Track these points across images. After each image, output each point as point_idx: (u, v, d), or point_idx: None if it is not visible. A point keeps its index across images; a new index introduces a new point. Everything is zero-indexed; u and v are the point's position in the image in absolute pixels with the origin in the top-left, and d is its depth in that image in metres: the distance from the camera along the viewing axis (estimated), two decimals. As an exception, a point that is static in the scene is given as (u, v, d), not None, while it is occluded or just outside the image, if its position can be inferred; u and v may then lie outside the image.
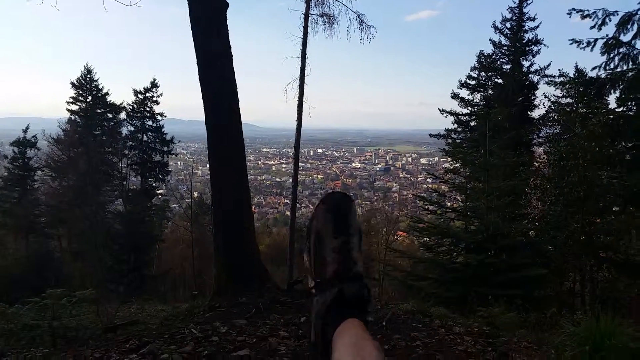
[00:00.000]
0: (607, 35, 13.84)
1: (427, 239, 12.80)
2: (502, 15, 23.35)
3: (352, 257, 1.15)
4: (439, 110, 24.38)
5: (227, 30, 6.00)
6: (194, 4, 5.83)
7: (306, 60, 17.30)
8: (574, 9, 13.97)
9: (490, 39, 23.56)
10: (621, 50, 13.68)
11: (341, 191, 1.29)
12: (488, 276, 10.13)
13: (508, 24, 23.34)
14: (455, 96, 24.22)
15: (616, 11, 13.58)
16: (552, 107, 20.26)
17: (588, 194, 12.65)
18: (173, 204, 31.72)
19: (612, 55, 13.73)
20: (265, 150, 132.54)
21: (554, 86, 16.21)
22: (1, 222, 26.63)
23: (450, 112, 24.23)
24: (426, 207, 13.69)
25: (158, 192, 31.03)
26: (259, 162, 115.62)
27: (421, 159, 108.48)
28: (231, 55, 6.08)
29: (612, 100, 15.03)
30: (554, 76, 20.77)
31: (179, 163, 59.30)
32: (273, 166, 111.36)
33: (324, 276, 1.14)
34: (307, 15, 17.13)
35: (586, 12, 13.72)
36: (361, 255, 1.21)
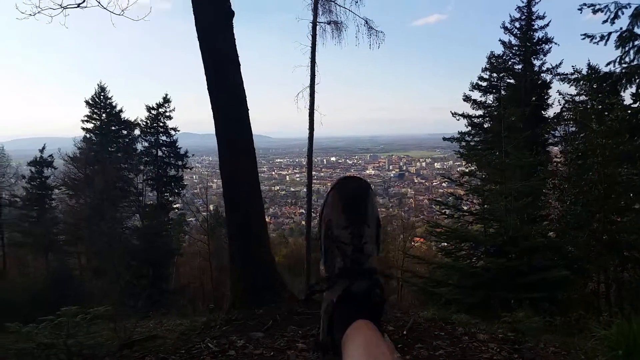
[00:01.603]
0: (620, 29, 13.59)
1: (445, 243, 12.57)
2: (511, 16, 23.15)
3: (364, 250, 1.02)
4: (452, 113, 24.14)
5: (234, 37, 5.98)
6: (199, 13, 5.83)
7: (316, 68, 17.30)
8: (584, 4, 13.71)
9: (500, 40, 23.37)
10: (636, 42, 13.40)
11: (356, 176, 1.15)
12: (510, 280, 9.89)
13: (517, 24, 23.12)
14: (467, 98, 24.03)
15: (629, 3, 13.32)
16: (567, 105, 19.96)
17: (609, 192, 12.34)
18: (190, 218, 31.89)
19: (627, 48, 13.46)
20: (278, 160, 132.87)
21: (568, 83, 15.93)
22: (21, 242, 26.96)
23: (463, 115, 24.00)
24: (443, 211, 13.47)
25: (174, 206, 31.26)
26: (273, 173, 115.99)
27: (435, 164, 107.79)
28: (239, 63, 6.05)
29: (627, 96, 14.73)
30: (567, 74, 20.55)
31: (194, 177, 59.68)
32: (287, 176, 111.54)
33: (333, 271, 1.03)
34: (314, 24, 17.14)
35: (597, 7, 13.47)
36: (380, 248, 1.09)
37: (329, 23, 17.21)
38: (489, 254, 11.24)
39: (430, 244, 26.06)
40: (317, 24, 17.19)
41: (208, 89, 6.05)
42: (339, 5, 17.02)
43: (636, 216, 13.00)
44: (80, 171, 29.05)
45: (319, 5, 16.84)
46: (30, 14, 6.92)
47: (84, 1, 7.17)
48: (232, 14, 5.88)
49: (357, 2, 17.01)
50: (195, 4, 5.79)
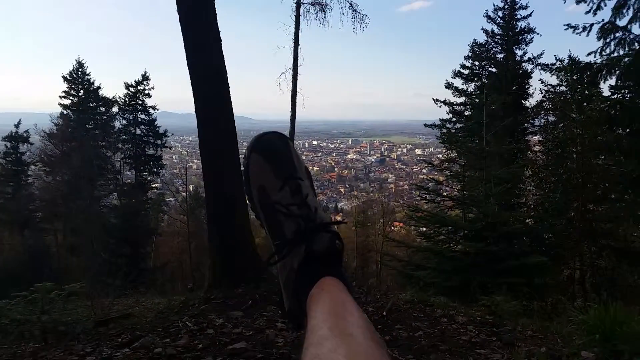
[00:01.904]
0: (602, 20, 13.73)
1: (425, 228, 12.65)
2: (494, 5, 23.23)
3: (309, 205, 0.94)
4: (434, 100, 24.24)
5: (215, 13, 5.83)
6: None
7: (299, 49, 17.13)
8: (568, -6, 13.82)
9: (482, 29, 23.45)
10: (617, 34, 13.57)
11: (272, 131, 1.03)
12: (488, 264, 10.03)
13: (500, 13, 23.22)
14: (449, 85, 24.14)
15: (611, -5, 13.46)
16: (547, 95, 20.17)
17: (587, 181, 12.57)
18: (169, 198, 31.55)
19: (608, 40, 13.63)
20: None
21: (549, 72, 16.09)
22: (-5, 218, 26.38)
23: (445, 102, 24.14)
24: (423, 196, 13.56)
25: (153, 185, 30.88)
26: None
27: (416, 150, 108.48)
28: (220, 39, 5.90)
29: (605, 88, 14.94)
30: (548, 64, 20.75)
31: (173, 157, 59.00)
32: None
33: (284, 237, 0.93)
34: (299, 4, 16.93)
35: (581, -4, 13.59)
36: (317, 200, 0.99)
37: (313, 4, 17.03)
38: (468, 238, 11.37)
39: (409, 229, 26.34)
40: (301, 4, 16.99)
41: (188, 66, 5.90)
42: (324, -14, 16.84)
43: (612, 205, 13.30)
44: (57, 148, 28.41)
45: (304, -16, 16.63)
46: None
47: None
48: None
49: (342, -17, 16.88)
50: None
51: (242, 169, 1.03)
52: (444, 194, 13.54)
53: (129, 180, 29.69)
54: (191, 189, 31.47)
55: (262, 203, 0.98)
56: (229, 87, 6.04)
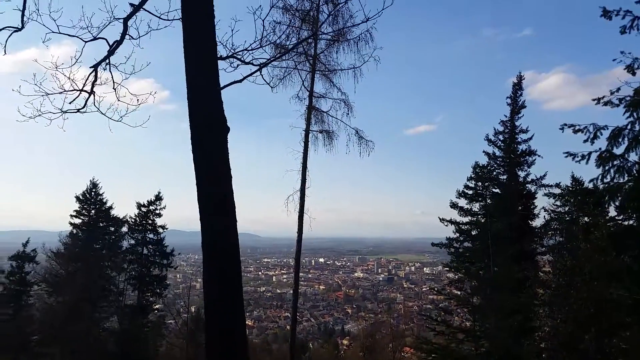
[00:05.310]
0: (600, 149, 14.21)
1: (435, 362, 12.02)
2: (495, 129, 24.24)
3: None
4: (439, 219, 24.39)
5: (227, 151, 6.10)
6: (195, 127, 5.98)
7: (307, 173, 17.72)
8: (565, 124, 14.46)
9: (484, 151, 24.24)
10: (615, 162, 13.96)
11: None
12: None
13: (501, 137, 24.14)
14: (454, 205, 24.42)
15: (606, 126, 14.07)
16: (552, 216, 20.29)
17: (599, 310, 12.14)
18: (169, 320, 30.61)
19: (607, 167, 14.00)
20: (266, 260, 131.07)
21: (553, 198, 16.36)
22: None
23: (451, 221, 24.22)
24: (432, 327, 13.07)
25: (155, 307, 30.14)
26: (260, 273, 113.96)
27: (425, 268, 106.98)
28: (230, 176, 6.10)
29: (611, 208, 15.04)
30: (551, 186, 21.07)
31: (177, 276, 58.34)
32: (274, 277, 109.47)
33: None
34: (307, 132, 17.83)
35: (577, 127, 14.21)
36: None
37: (321, 132, 17.96)
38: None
39: (420, 355, 24.97)
40: (310, 131, 17.90)
41: (198, 199, 6.05)
42: (331, 116, 17.91)
43: (628, 335, 12.67)
44: (62, 268, 28.26)
45: (312, 115, 17.68)
46: (30, 117, 7.04)
47: (84, 107, 7.33)
48: (228, 129, 6.06)
49: (347, 113, 17.93)
50: (192, 119, 5.97)
51: None
52: (455, 321, 13.07)
53: (132, 302, 29.05)
54: (193, 310, 30.64)
55: None
56: (236, 221, 6.12)
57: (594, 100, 14.30)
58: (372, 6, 6.44)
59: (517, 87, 24.10)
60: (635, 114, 13.68)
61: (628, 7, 13.93)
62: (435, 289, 15.42)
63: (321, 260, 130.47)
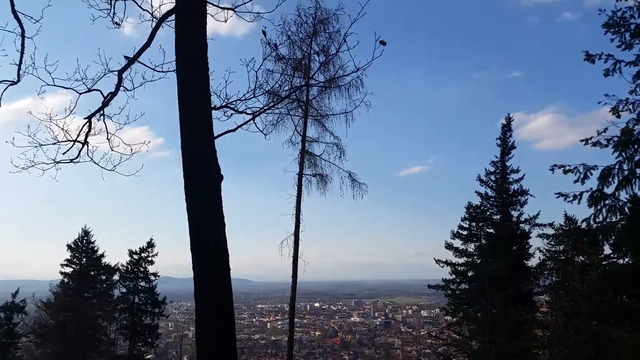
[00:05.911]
0: (591, 189, 14.37)
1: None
2: (486, 169, 24.55)
3: None
4: (435, 260, 24.31)
5: (221, 200, 6.09)
6: (190, 176, 6.00)
7: (301, 217, 17.73)
8: (555, 165, 14.71)
9: (476, 191, 24.45)
10: (607, 202, 14.10)
11: None
12: None
13: (492, 177, 24.43)
14: (449, 246, 24.37)
15: (595, 165, 14.32)
16: (547, 256, 20.26)
17: (599, 352, 11.97)
18: (161, 370, 29.75)
19: (599, 207, 14.13)
20: (260, 306, 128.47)
21: (546, 239, 16.43)
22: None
23: (447, 262, 24.12)
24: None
25: (147, 357, 29.31)
26: (254, 320, 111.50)
27: (422, 311, 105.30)
28: (224, 224, 6.07)
29: (606, 247, 15.06)
30: (545, 225, 21.11)
31: (169, 324, 56.90)
32: (268, 324, 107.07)
33: None
34: (300, 176, 17.97)
35: (568, 168, 14.45)
36: None
37: (314, 175, 18.14)
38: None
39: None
40: (303, 175, 18.05)
41: (191, 248, 5.99)
42: (324, 160, 18.14)
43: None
44: (52, 318, 27.58)
45: (305, 159, 17.88)
46: (23, 168, 7.03)
47: (77, 157, 7.34)
48: (221, 178, 6.10)
49: (340, 157, 18.19)
50: (186, 168, 6.00)
51: None
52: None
53: (122, 352, 28.25)
54: (186, 360, 29.84)
55: None
56: (230, 270, 6.05)
57: (582, 141, 14.63)
58: (362, 56, 6.61)
59: (507, 128, 24.62)
60: (623, 154, 13.94)
61: (610, 51, 14.50)
62: (434, 333, 15.11)
63: (316, 304, 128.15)
